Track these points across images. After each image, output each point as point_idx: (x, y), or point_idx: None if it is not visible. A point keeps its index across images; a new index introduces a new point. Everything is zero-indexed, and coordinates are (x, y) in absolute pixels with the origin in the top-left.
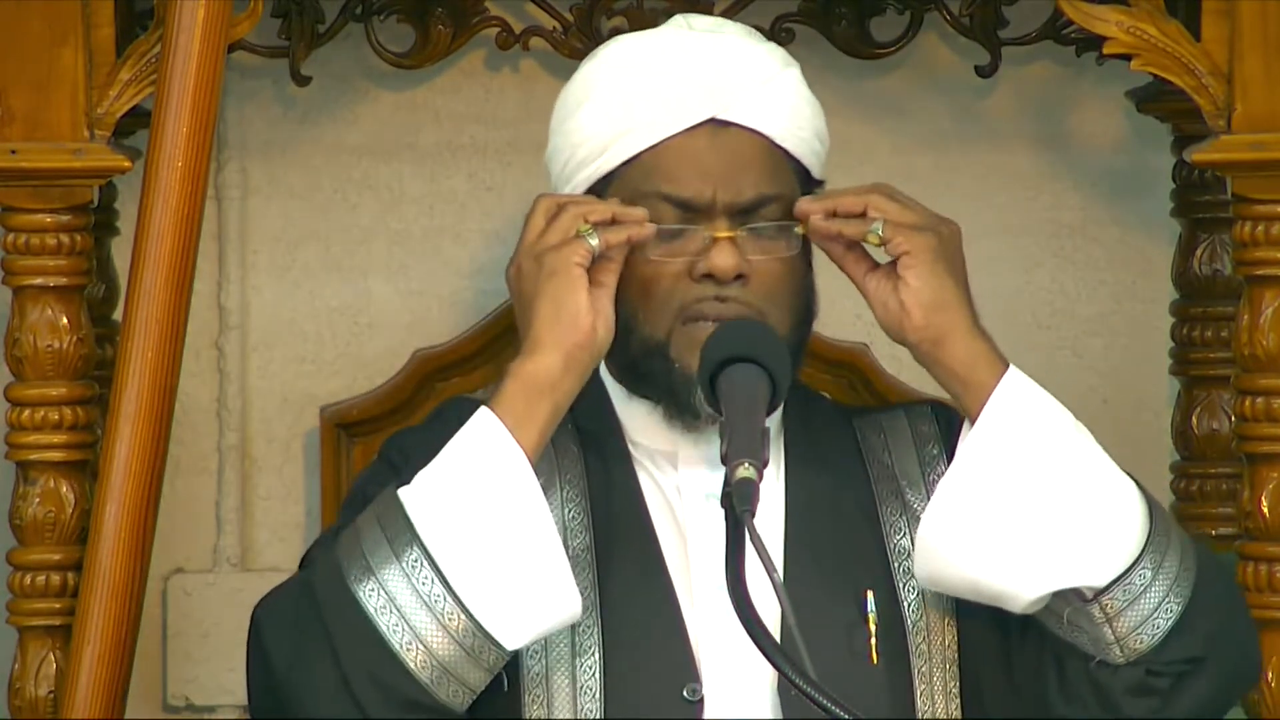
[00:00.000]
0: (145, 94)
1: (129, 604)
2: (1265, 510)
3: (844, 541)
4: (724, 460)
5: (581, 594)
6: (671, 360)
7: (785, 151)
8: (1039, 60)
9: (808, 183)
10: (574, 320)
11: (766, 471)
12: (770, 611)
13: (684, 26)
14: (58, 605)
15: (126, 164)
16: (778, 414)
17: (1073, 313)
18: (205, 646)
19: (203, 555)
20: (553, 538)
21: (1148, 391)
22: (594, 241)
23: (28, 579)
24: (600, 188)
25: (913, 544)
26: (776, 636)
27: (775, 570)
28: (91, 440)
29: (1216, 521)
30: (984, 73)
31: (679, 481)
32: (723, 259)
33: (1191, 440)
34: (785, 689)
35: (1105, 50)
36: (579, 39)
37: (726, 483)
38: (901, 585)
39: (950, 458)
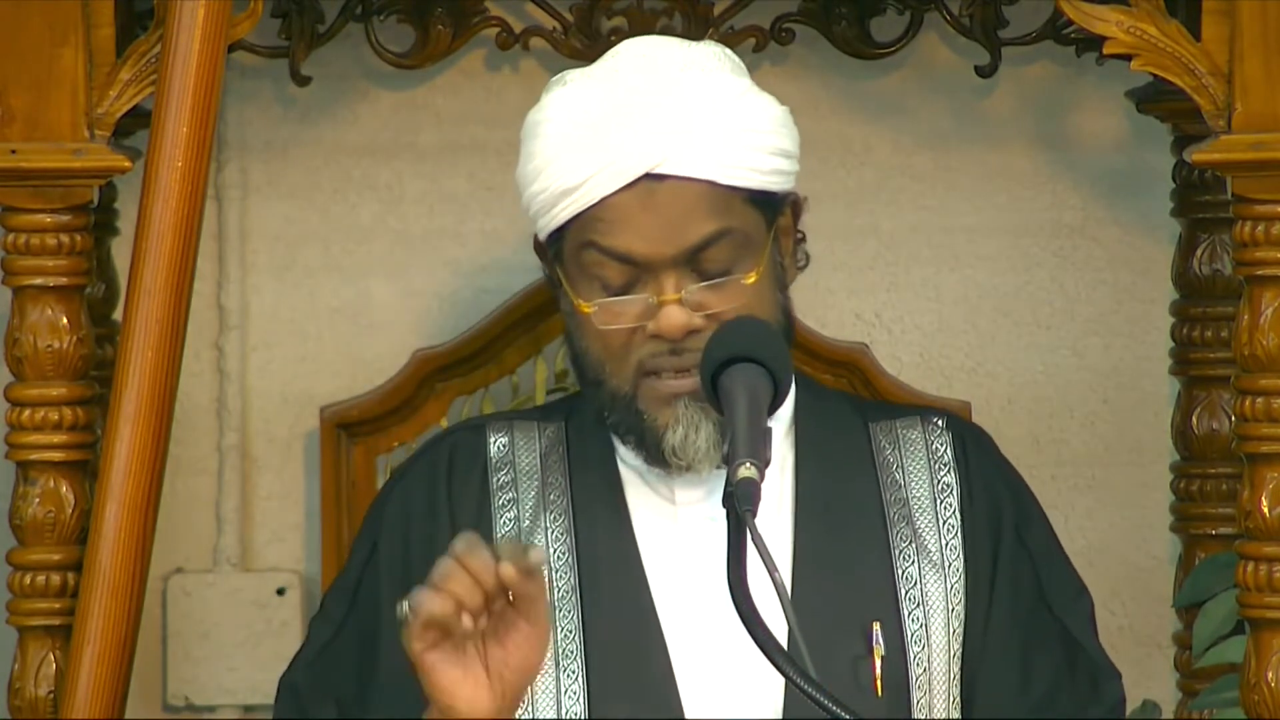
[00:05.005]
0: (145, 94)
1: (129, 604)
2: (1265, 510)
3: (854, 567)
4: (726, 460)
5: (568, 636)
6: (640, 412)
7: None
8: (1039, 60)
9: (770, 201)
10: (448, 708)
11: (774, 474)
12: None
13: (626, 60)
14: (58, 605)
15: (126, 164)
16: (789, 411)
17: (1073, 313)
18: (205, 646)
19: (203, 555)
20: None
21: (1148, 391)
22: (409, 614)
23: (28, 579)
24: (555, 237)
25: (921, 576)
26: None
27: (777, 570)
28: (91, 440)
29: (1216, 521)
30: (984, 73)
31: (677, 501)
32: (669, 322)
33: (1191, 440)
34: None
35: (1105, 50)
36: (579, 39)
37: (728, 482)
38: (907, 615)
39: (964, 487)
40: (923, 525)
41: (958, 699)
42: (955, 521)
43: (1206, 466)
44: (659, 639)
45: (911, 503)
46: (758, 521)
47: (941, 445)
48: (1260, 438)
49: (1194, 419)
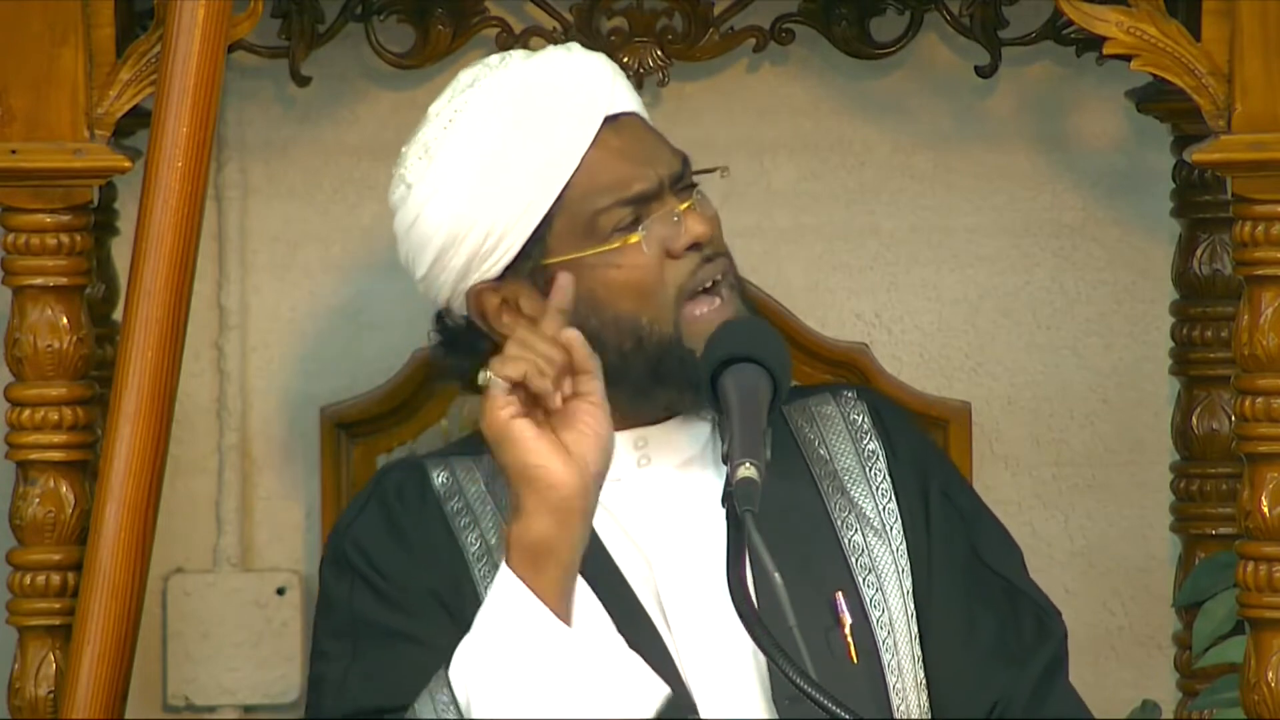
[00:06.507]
0: (145, 94)
1: (129, 604)
2: (1265, 510)
3: (805, 545)
4: (725, 460)
5: None
6: (688, 349)
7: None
8: (1039, 60)
9: None
10: (541, 478)
11: (705, 473)
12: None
13: (501, 67)
14: (58, 605)
15: (126, 164)
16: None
17: (1073, 313)
18: (205, 646)
19: (203, 555)
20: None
21: (1148, 391)
22: (496, 380)
23: (28, 579)
24: (534, 241)
25: (867, 543)
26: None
27: (775, 571)
28: (91, 440)
29: (1216, 521)
30: (984, 73)
31: (634, 503)
32: (699, 225)
33: (1191, 440)
34: (780, 695)
35: (1105, 50)
36: (579, 39)
37: (728, 483)
38: (862, 582)
39: (888, 452)
40: (857, 494)
41: (920, 655)
42: (887, 486)
43: (1206, 466)
44: (653, 632)
45: (841, 474)
46: (698, 518)
47: (859, 415)
48: (1260, 438)
49: (1194, 419)
